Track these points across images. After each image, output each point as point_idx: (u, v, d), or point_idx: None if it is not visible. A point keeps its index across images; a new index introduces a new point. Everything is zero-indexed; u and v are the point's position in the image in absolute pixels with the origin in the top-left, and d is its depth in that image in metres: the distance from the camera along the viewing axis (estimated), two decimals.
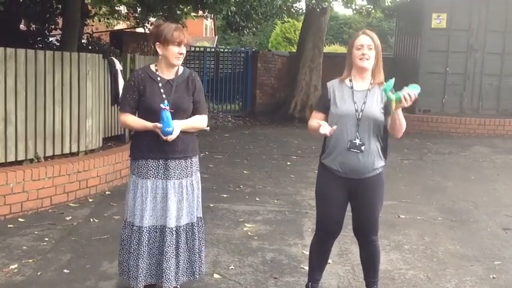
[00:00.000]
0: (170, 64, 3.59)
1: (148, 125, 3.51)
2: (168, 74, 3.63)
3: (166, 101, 3.49)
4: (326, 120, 3.62)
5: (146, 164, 3.59)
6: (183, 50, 3.56)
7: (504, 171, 8.70)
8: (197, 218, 3.75)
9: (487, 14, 12.77)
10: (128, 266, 3.64)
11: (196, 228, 3.71)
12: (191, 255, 3.71)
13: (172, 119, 3.46)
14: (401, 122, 3.49)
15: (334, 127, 3.43)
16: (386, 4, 16.19)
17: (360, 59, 3.52)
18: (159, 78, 3.59)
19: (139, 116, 3.62)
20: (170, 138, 3.48)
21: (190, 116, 3.65)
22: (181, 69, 3.69)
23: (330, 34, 29.72)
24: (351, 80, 3.61)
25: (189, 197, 3.67)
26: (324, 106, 3.64)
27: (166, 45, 3.52)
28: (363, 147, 3.49)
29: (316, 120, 3.61)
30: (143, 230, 3.58)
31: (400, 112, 3.44)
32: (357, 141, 3.50)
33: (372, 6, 15.59)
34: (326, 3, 11.52)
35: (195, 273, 3.74)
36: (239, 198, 6.63)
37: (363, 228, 3.71)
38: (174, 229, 3.60)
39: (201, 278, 4.06)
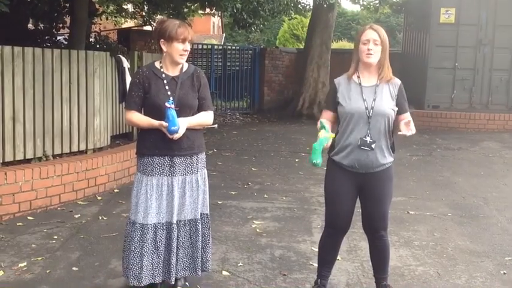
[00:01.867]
0: (175, 61, 3.57)
1: (154, 122, 3.51)
2: (173, 71, 3.61)
3: (171, 100, 3.48)
4: (336, 117, 3.61)
5: (152, 161, 3.58)
6: (188, 46, 3.55)
7: None
8: (202, 214, 3.74)
9: (495, 8, 12.67)
10: (128, 263, 3.63)
11: (199, 225, 3.70)
12: (194, 251, 3.70)
13: (178, 116, 3.46)
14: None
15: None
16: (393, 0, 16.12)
17: (366, 55, 3.50)
18: (163, 75, 3.58)
19: (144, 114, 3.60)
20: (176, 136, 3.47)
21: (196, 113, 3.64)
22: (186, 65, 3.67)
23: (338, 30, 29.63)
24: (358, 77, 3.59)
25: (193, 194, 3.66)
26: (333, 104, 3.62)
27: (170, 42, 3.50)
28: (373, 145, 3.48)
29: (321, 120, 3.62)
30: (146, 228, 3.57)
31: (403, 131, 3.46)
32: (368, 139, 3.48)
33: (379, 2, 15.52)
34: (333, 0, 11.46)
35: (197, 269, 3.72)
36: (247, 195, 6.61)
37: (372, 223, 3.69)
38: (176, 224, 3.61)
39: (210, 275, 4.06)
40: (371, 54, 3.49)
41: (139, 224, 3.59)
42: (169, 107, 3.42)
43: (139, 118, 3.60)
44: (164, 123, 3.44)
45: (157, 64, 3.64)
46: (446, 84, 12.88)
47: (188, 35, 3.52)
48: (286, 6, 11.79)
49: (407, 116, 3.60)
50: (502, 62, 12.79)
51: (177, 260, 3.65)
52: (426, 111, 12.68)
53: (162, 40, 3.53)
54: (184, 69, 3.65)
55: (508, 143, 10.77)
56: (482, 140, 11.02)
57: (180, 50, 3.52)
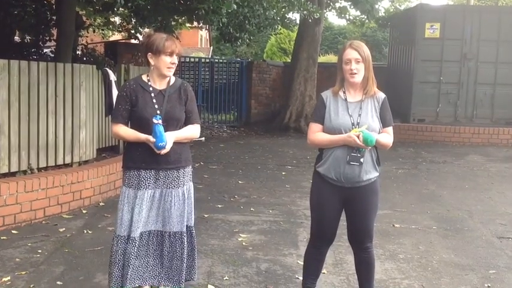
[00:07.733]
0: (162, 75, 3.59)
1: (141, 136, 3.51)
2: (160, 84, 3.63)
3: (158, 115, 3.49)
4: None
5: (138, 175, 3.58)
6: (175, 59, 3.56)
7: (498, 180, 8.72)
8: (188, 226, 3.73)
9: (479, 23, 12.86)
10: (111, 275, 3.63)
11: (185, 238, 3.68)
12: (178, 264, 3.68)
13: (165, 129, 3.47)
14: (381, 146, 3.59)
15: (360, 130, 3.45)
16: (380, 14, 16.29)
17: (350, 75, 3.54)
18: (151, 89, 3.59)
19: (131, 127, 3.60)
20: (163, 152, 3.48)
21: (183, 126, 3.65)
22: (173, 79, 3.68)
23: (325, 44, 29.81)
24: (344, 92, 3.63)
25: (179, 207, 3.65)
26: (322, 117, 3.64)
27: (158, 55, 3.52)
28: (362, 159, 3.51)
29: (322, 134, 3.60)
30: (129, 241, 3.57)
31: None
32: (356, 154, 3.50)
33: (365, 17, 15.67)
34: (318, 14, 11.54)
35: (180, 282, 3.70)
36: (234, 208, 6.61)
37: (357, 236, 3.71)
38: (159, 234, 3.64)
39: None
40: (355, 73, 3.53)
41: (122, 236, 3.59)
42: (156, 123, 3.43)
43: (125, 131, 3.59)
44: (151, 139, 3.45)
45: (144, 77, 3.65)
46: (432, 98, 13.02)
47: (176, 48, 3.54)
48: (273, 21, 11.84)
49: (389, 130, 3.64)
50: (487, 76, 12.96)
51: (161, 269, 3.66)
52: (412, 125, 12.79)
53: (149, 54, 3.55)
54: (171, 83, 3.66)
55: (492, 157, 10.88)
56: (467, 154, 11.13)
57: (167, 63, 3.54)
